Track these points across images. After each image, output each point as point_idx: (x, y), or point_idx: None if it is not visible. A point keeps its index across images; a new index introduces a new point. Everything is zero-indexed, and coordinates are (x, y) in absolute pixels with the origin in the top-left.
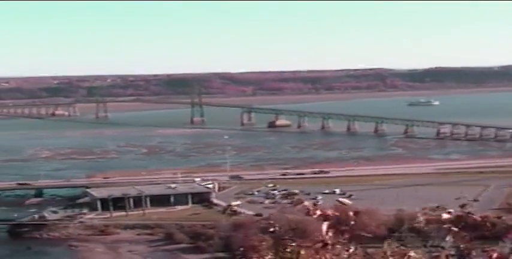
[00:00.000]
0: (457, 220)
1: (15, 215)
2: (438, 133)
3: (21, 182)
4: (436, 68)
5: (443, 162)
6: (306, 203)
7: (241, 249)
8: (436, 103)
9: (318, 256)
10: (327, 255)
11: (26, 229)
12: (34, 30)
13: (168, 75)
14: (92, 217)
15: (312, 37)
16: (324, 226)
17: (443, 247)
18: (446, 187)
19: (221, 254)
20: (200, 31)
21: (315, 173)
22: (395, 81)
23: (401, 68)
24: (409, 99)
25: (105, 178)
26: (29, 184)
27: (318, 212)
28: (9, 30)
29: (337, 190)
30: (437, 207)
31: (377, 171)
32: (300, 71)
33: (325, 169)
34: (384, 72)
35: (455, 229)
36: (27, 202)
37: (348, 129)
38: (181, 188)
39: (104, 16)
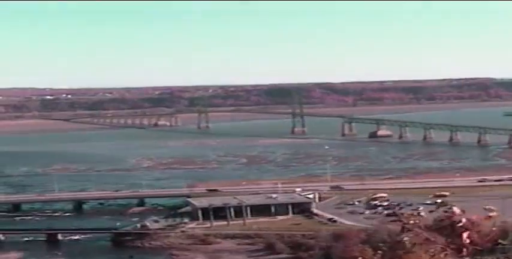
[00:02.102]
0: None
1: (118, 224)
2: None
3: (210, 188)
4: None
5: None
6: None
7: None
8: None
9: None
10: None
11: (128, 238)
12: (138, 41)
13: (269, 85)
14: (193, 226)
15: (413, 46)
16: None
17: None
18: None
19: None
20: (301, 41)
21: None
22: (499, 91)
23: (505, 77)
24: (506, 109)
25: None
26: (218, 190)
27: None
28: (112, 42)
29: (439, 201)
30: None
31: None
32: (401, 81)
33: None
34: (487, 81)
35: None
36: (129, 211)
37: (450, 139)
38: (282, 198)
39: (208, 27)
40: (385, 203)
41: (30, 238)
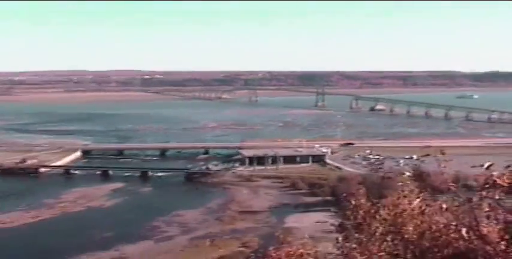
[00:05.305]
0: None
1: (189, 166)
2: (489, 118)
3: (345, 142)
4: None
5: (492, 139)
6: None
7: (344, 194)
8: (476, 97)
9: (397, 201)
10: (405, 201)
11: (196, 176)
12: (213, 29)
13: (301, 72)
14: (241, 169)
15: (404, 42)
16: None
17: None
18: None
19: (329, 197)
20: (324, 36)
21: None
22: (462, 81)
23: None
24: (457, 94)
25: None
26: (352, 143)
27: None
28: (186, 29)
29: (414, 156)
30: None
31: (445, 143)
32: (395, 71)
33: None
34: (453, 74)
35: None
36: (197, 158)
37: (426, 113)
38: (305, 151)
39: (258, 16)
40: (377, 157)
41: (129, 174)
